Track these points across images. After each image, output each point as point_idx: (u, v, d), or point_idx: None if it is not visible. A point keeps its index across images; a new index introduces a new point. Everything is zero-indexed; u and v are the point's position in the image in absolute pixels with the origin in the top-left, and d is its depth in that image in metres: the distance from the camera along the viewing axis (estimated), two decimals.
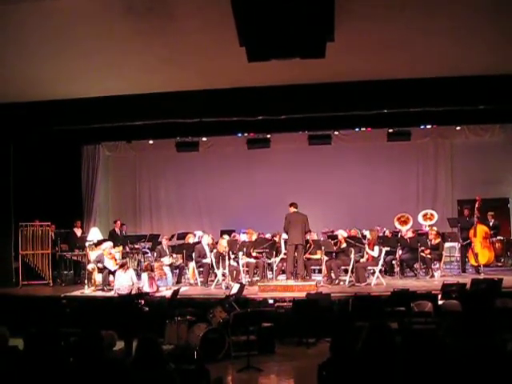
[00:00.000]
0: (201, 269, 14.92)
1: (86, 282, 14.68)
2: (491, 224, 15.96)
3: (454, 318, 8.29)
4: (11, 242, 15.48)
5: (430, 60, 11.71)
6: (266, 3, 7.67)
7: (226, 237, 15.65)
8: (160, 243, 16.09)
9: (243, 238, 16.31)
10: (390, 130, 17.93)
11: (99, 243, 15.65)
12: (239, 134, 18.41)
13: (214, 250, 14.98)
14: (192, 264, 15.04)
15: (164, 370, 5.17)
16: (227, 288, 13.46)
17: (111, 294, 13.43)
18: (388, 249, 14.76)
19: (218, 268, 14.42)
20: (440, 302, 10.39)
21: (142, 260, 16.49)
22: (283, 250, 14.94)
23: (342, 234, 14.97)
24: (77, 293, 14.03)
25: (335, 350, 5.31)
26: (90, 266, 14.70)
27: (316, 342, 10.80)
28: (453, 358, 4.65)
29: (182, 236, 16.85)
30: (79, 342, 5.06)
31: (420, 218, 16.96)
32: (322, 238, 16.18)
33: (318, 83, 13.10)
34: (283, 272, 14.83)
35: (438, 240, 15.14)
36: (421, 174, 20.04)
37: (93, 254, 15.17)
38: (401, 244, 15.00)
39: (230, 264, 14.43)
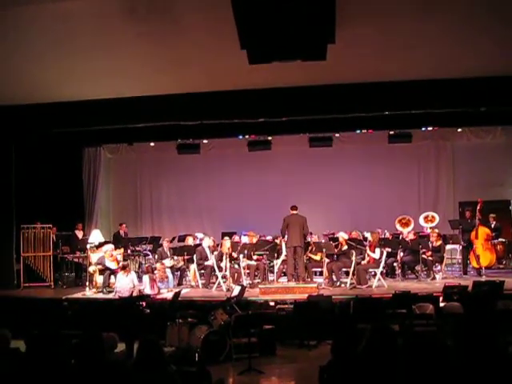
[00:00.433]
0: (202, 271, 14.92)
1: (87, 284, 14.71)
2: (493, 226, 15.93)
3: (456, 320, 8.29)
4: (13, 244, 15.48)
5: (430, 62, 11.71)
6: (266, 6, 7.67)
7: (227, 238, 15.62)
8: (161, 245, 16.10)
9: (244, 240, 16.31)
10: (391, 132, 17.91)
11: (100, 245, 15.67)
12: (240, 136, 18.41)
13: (215, 252, 14.97)
14: (193, 266, 15.04)
15: (165, 372, 5.17)
16: (228, 290, 13.46)
17: (112, 296, 13.43)
18: (389, 250, 14.75)
19: (220, 269, 14.41)
20: (441, 305, 10.39)
21: (143, 262, 16.50)
22: (284, 252, 14.93)
23: (343, 236, 14.97)
24: (78, 295, 14.04)
25: (336, 352, 5.30)
26: (91, 268, 14.73)
27: (317, 344, 10.78)
28: (454, 360, 4.65)
29: (183, 238, 16.85)
30: (80, 345, 5.06)
31: (421, 220, 16.95)
32: (323, 240, 16.17)
33: (318, 85, 13.12)
34: (284, 274, 14.84)
35: (440, 242, 15.12)
36: (422, 176, 20.03)
37: (94, 256, 15.19)
38: (402, 246, 14.98)
39: (231, 266, 14.43)
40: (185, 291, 13.50)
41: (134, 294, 12.80)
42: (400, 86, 13.03)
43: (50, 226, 16.03)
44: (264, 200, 19.43)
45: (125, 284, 13.34)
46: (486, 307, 9.66)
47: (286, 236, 14.39)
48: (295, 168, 19.86)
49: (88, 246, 15.93)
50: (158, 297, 13.11)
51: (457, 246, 15.99)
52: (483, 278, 14.04)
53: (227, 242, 14.83)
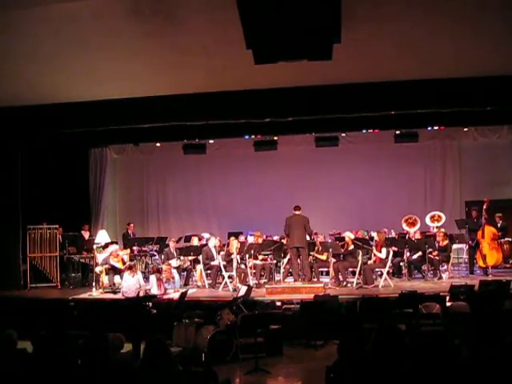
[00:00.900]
0: (208, 271, 14.93)
1: (93, 284, 14.74)
2: (499, 225, 15.89)
3: (463, 320, 8.28)
4: (19, 244, 15.51)
5: (437, 61, 11.69)
6: (272, 6, 7.67)
7: (234, 238, 15.61)
8: (167, 246, 16.11)
9: (251, 240, 16.33)
10: (398, 132, 17.88)
11: (107, 245, 15.69)
12: (246, 136, 18.40)
13: (222, 253, 14.99)
14: (199, 266, 15.05)
15: (172, 372, 5.17)
16: (235, 290, 13.47)
17: (119, 296, 13.46)
18: (396, 250, 14.74)
19: (227, 269, 14.41)
20: (448, 304, 10.37)
21: (150, 262, 16.52)
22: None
23: (349, 235, 14.95)
24: (85, 295, 14.07)
25: (343, 352, 5.30)
26: (97, 269, 14.75)
27: (324, 344, 10.77)
28: (462, 359, 4.64)
29: (190, 238, 16.86)
30: (86, 345, 5.07)
31: (428, 220, 16.93)
32: (329, 240, 16.16)
33: (324, 85, 13.11)
34: (291, 274, 14.83)
35: (446, 242, 15.09)
36: (428, 176, 19.99)
37: (100, 257, 15.22)
38: (409, 246, 14.96)
39: (237, 266, 14.44)
40: (191, 291, 13.51)
41: (141, 295, 12.82)
42: (406, 86, 13.00)
43: (57, 226, 16.06)
44: (270, 200, 19.42)
45: (131, 284, 13.35)
46: (492, 307, 9.63)
47: (288, 236, 14.43)
48: (301, 168, 19.86)
49: (94, 247, 15.96)
50: (165, 297, 13.12)
51: (463, 246, 15.96)
52: (490, 278, 14.01)
53: (235, 242, 14.84)
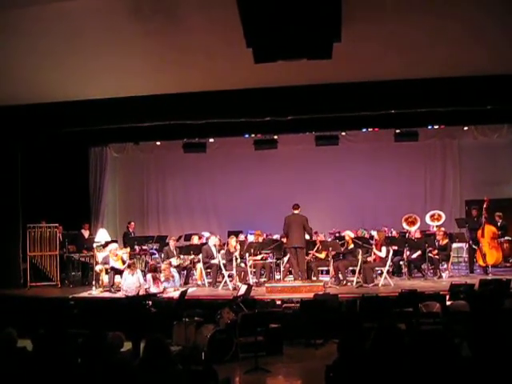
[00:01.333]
0: (208, 270, 14.94)
1: (93, 283, 14.75)
2: (499, 224, 15.89)
3: (463, 319, 8.28)
4: (19, 243, 15.51)
5: (437, 60, 11.68)
6: (272, 4, 7.67)
7: (233, 237, 15.62)
8: (167, 244, 16.12)
9: (251, 239, 16.34)
10: (398, 131, 17.86)
11: (107, 244, 15.71)
12: (246, 135, 18.40)
13: (222, 251, 14.99)
14: (199, 265, 15.05)
15: (172, 371, 5.17)
16: (235, 289, 13.48)
17: (119, 295, 13.46)
18: (396, 248, 14.76)
19: (227, 268, 14.41)
20: (448, 303, 10.37)
21: (150, 261, 16.52)
22: None
23: (349, 234, 14.95)
24: (84, 294, 14.07)
25: (343, 350, 5.30)
26: (97, 268, 14.75)
27: (324, 342, 10.78)
28: (461, 358, 4.64)
29: (189, 237, 16.88)
30: (85, 344, 5.08)
31: (427, 219, 16.93)
32: (329, 239, 16.16)
33: (324, 84, 13.09)
34: (290, 273, 14.84)
35: (446, 241, 15.10)
36: (428, 175, 19.99)
37: (100, 256, 15.22)
38: (408, 245, 14.97)
39: (237, 265, 14.44)
40: (191, 290, 13.53)
41: (141, 293, 12.83)
42: (406, 85, 12.99)
43: (57, 225, 16.06)
44: (270, 199, 19.42)
45: (131, 283, 13.38)
46: (492, 306, 9.62)
47: (287, 236, 14.43)
48: (301, 167, 19.87)
49: (94, 245, 15.97)
50: (165, 296, 13.13)
51: (463, 245, 15.97)
52: (490, 277, 14.00)
53: (233, 241, 14.84)
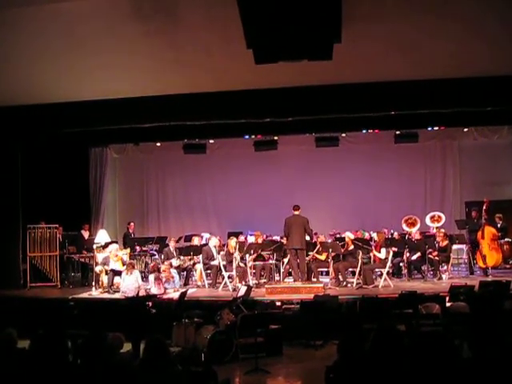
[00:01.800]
0: (208, 271, 14.94)
1: (93, 284, 14.75)
2: (499, 226, 15.90)
3: (463, 321, 8.28)
4: (19, 243, 15.51)
5: (437, 61, 11.68)
6: (272, 5, 7.67)
7: (233, 238, 15.61)
8: (167, 245, 16.12)
9: (251, 239, 16.34)
10: (398, 132, 17.87)
11: (107, 245, 15.70)
12: (246, 136, 18.40)
13: (222, 252, 14.98)
14: (199, 266, 15.05)
15: (171, 372, 5.17)
16: (234, 290, 13.47)
17: (118, 296, 13.46)
18: (395, 250, 14.76)
19: (227, 269, 14.41)
20: (448, 304, 10.37)
21: (150, 262, 16.52)
22: None
23: (349, 236, 14.95)
24: (84, 295, 14.07)
25: (343, 352, 5.30)
26: (97, 268, 14.75)
27: (324, 344, 10.77)
28: (461, 360, 4.64)
29: (190, 238, 16.88)
30: (84, 344, 5.08)
31: (427, 220, 16.92)
32: (329, 240, 16.16)
33: (325, 85, 13.10)
34: (290, 274, 14.83)
35: (446, 242, 15.09)
36: (428, 176, 19.99)
37: (100, 256, 15.21)
38: (408, 246, 14.97)
39: (237, 266, 14.43)
40: (191, 291, 13.51)
41: (140, 294, 12.82)
42: (406, 86, 12.99)
43: (57, 225, 16.06)
44: (270, 200, 19.42)
45: (129, 283, 13.36)
46: (492, 307, 9.63)
47: (287, 237, 14.43)
48: (301, 168, 19.87)
49: (94, 246, 15.97)
50: (165, 297, 13.13)
51: (463, 246, 15.95)
52: (490, 278, 14.01)
53: (233, 242, 14.83)
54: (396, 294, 11.47)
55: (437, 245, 15.06)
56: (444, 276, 14.78)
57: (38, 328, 5.30)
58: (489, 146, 18.67)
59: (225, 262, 14.58)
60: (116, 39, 10.16)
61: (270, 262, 15.08)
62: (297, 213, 14.29)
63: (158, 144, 19.49)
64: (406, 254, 14.90)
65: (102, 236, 16.76)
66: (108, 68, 11.68)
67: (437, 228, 16.44)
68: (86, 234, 17.49)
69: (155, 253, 16.95)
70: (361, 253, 14.21)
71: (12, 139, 15.38)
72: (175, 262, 15.21)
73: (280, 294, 12.98)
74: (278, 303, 12.24)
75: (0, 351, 5.78)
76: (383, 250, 14.16)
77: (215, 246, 15.18)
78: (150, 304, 11.59)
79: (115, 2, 9.01)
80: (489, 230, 15.28)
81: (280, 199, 18.63)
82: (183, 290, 12.75)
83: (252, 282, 14.41)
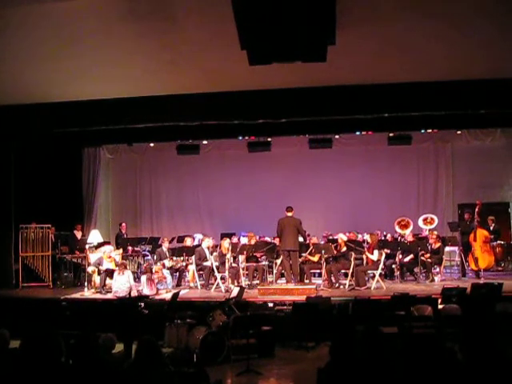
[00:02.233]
0: (201, 272, 14.92)
1: (85, 284, 14.71)
2: (491, 228, 15.95)
3: (455, 323, 8.30)
4: (11, 243, 15.48)
5: (430, 64, 11.71)
6: (267, 6, 7.67)
7: (227, 239, 15.60)
8: (160, 246, 16.09)
9: (243, 241, 16.33)
10: (391, 134, 17.92)
11: (99, 245, 15.68)
12: (240, 137, 18.40)
13: (215, 253, 14.97)
14: (192, 267, 15.03)
15: (163, 373, 5.17)
16: (227, 291, 13.46)
17: (110, 296, 13.43)
18: (388, 252, 14.79)
19: (220, 270, 14.40)
20: (440, 307, 10.37)
21: (142, 262, 16.50)
22: None
23: (342, 237, 14.96)
24: (77, 295, 14.03)
25: (335, 353, 5.30)
26: (90, 269, 14.71)
27: (316, 345, 10.77)
28: (453, 362, 4.65)
29: (182, 239, 16.87)
30: (75, 345, 5.07)
31: (420, 222, 16.95)
32: (322, 242, 16.16)
33: (318, 87, 13.12)
34: (283, 275, 14.84)
35: (439, 244, 15.13)
36: (421, 178, 20.05)
37: (93, 257, 15.19)
38: (401, 248, 14.99)
39: (230, 267, 14.42)
40: (183, 292, 13.50)
41: (132, 294, 12.81)
42: (400, 88, 13.03)
43: (49, 225, 16.03)
44: (263, 201, 19.45)
45: (121, 284, 13.34)
46: (484, 309, 9.65)
47: (280, 239, 14.42)
48: (295, 169, 19.90)
49: (87, 247, 15.95)
50: (157, 297, 13.11)
51: (455, 248, 15.98)
52: (482, 280, 14.02)
53: (226, 243, 14.82)
54: (388, 295, 11.49)
55: (429, 247, 15.09)
56: (436, 278, 14.81)
57: (29, 328, 5.29)
58: (482, 148, 18.74)
59: (217, 263, 14.57)
60: (110, 39, 10.14)
61: (263, 263, 15.09)
62: (290, 214, 14.28)
63: (152, 144, 19.52)
64: (399, 256, 14.93)
65: (94, 236, 16.75)
66: (102, 68, 11.66)
67: (429, 230, 16.48)
68: (78, 235, 17.45)
69: (148, 253, 16.94)
70: (353, 254, 14.22)
71: (5, 139, 15.32)
72: (168, 262, 15.20)
73: (272, 295, 12.98)
74: (271, 304, 12.23)
75: None
76: (376, 252, 14.18)
77: (208, 247, 15.17)
78: (143, 305, 11.58)
79: (109, 1, 8.99)
80: (481, 233, 15.32)
81: (273, 200, 18.66)
82: (175, 290, 12.72)
83: (245, 283, 14.42)
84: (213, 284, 14.57)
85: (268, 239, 16.40)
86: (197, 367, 7.97)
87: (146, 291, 13.32)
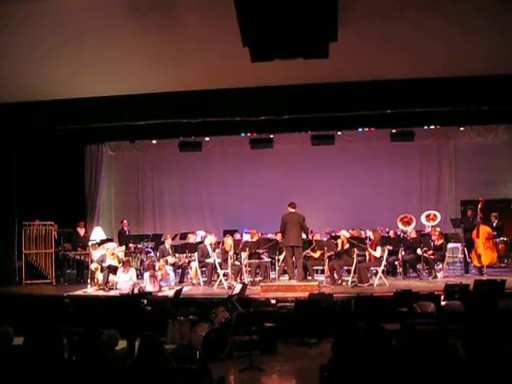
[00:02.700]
0: (203, 268, 14.92)
1: (88, 281, 14.72)
2: (494, 225, 15.93)
3: (458, 320, 8.29)
4: (14, 241, 15.51)
5: (433, 60, 11.70)
6: (269, 3, 7.67)
7: (229, 236, 15.60)
8: (163, 243, 16.11)
9: (246, 237, 16.33)
10: (394, 131, 17.92)
11: (102, 242, 15.70)
12: (242, 134, 18.39)
13: (217, 250, 14.98)
14: (195, 264, 15.04)
15: (166, 369, 5.17)
16: (230, 288, 13.46)
17: (113, 293, 13.45)
18: (391, 248, 14.78)
19: (222, 267, 14.41)
20: (443, 303, 10.36)
21: (145, 259, 16.51)
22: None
23: (344, 234, 14.96)
24: (79, 292, 14.05)
25: (337, 350, 5.30)
26: (92, 266, 14.73)
27: (318, 342, 10.78)
28: (455, 359, 4.65)
29: (185, 236, 16.88)
30: (78, 341, 5.07)
31: (423, 219, 16.93)
32: (325, 238, 16.15)
33: (321, 83, 13.11)
34: (285, 272, 14.84)
35: (441, 241, 15.12)
36: (424, 175, 20.02)
37: (96, 254, 15.20)
38: (404, 245, 14.98)
39: (233, 264, 14.43)
40: (186, 289, 13.52)
41: (135, 291, 12.82)
42: (402, 85, 13.01)
43: (52, 223, 16.06)
44: (266, 198, 19.43)
45: (124, 281, 13.37)
46: (487, 306, 9.64)
47: (283, 235, 14.40)
48: (297, 166, 19.87)
49: (90, 244, 15.96)
50: (160, 294, 13.12)
51: (458, 245, 15.96)
52: (485, 277, 14.00)
53: (229, 240, 14.83)
54: (391, 292, 11.48)
55: (432, 243, 15.08)
56: (439, 275, 14.80)
57: (32, 325, 5.29)
58: (484, 145, 18.69)
59: (220, 260, 14.58)
60: (112, 36, 10.13)
61: (265, 260, 15.09)
62: (293, 210, 14.23)
63: (154, 141, 19.51)
64: (402, 253, 14.92)
65: (97, 233, 16.75)
66: (104, 65, 11.66)
67: (432, 227, 16.45)
68: (81, 232, 17.45)
69: (151, 250, 16.94)
70: (356, 251, 14.21)
71: (7, 136, 15.34)
72: (170, 258, 15.22)
73: (275, 292, 12.98)
74: (273, 301, 12.23)
75: None
76: (378, 249, 14.17)
77: (211, 244, 15.17)
78: (145, 301, 11.58)
79: None
80: (484, 229, 15.30)
81: (275, 197, 18.64)
82: (178, 287, 12.75)
83: (247, 279, 14.42)
84: (215, 281, 14.57)
85: (270, 236, 16.37)
86: (199, 364, 7.99)
87: (149, 288, 13.33)
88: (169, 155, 20.50)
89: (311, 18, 7.97)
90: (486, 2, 9.10)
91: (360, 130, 18.26)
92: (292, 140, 19.15)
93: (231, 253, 14.40)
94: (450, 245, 15.62)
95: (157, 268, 14.25)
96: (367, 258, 14.46)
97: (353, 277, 14.04)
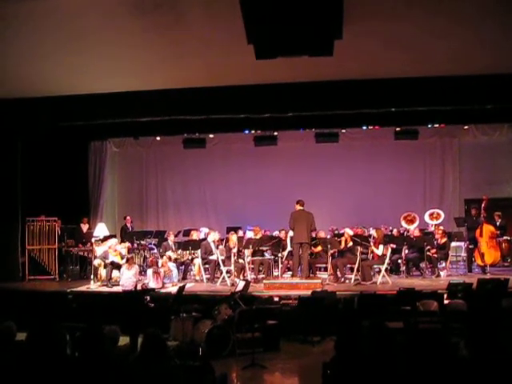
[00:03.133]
0: (206, 265, 14.94)
1: (91, 277, 14.75)
2: (498, 224, 15.90)
3: (461, 318, 8.28)
4: (18, 236, 15.54)
5: (437, 59, 11.68)
6: (273, 1, 7.66)
7: (234, 233, 15.60)
8: (166, 239, 16.13)
9: (249, 235, 16.33)
10: (398, 129, 17.87)
11: (105, 239, 15.72)
12: (246, 131, 18.38)
13: (220, 247, 14.99)
14: (198, 260, 15.05)
15: (169, 366, 5.17)
16: (233, 285, 13.48)
17: (117, 289, 13.47)
18: (394, 247, 14.78)
19: (226, 264, 14.41)
20: (446, 302, 10.36)
21: (148, 256, 16.53)
22: (289, 248, 14.96)
23: (348, 232, 14.95)
24: (83, 288, 14.08)
25: (340, 348, 5.30)
26: (96, 262, 14.76)
27: (321, 340, 10.77)
28: (458, 357, 4.65)
29: (188, 233, 16.89)
30: (80, 337, 5.08)
31: (426, 218, 16.91)
32: (328, 236, 16.14)
33: (325, 81, 13.09)
34: (289, 269, 14.85)
35: (445, 239, 15.10)
36: (428, 173, 20.00)
37: (99, 250, 15.24)
38: (407, 243, 14.97)
39: (236, 261, 14.44)
40: (189, 285, 13.54)
41: (138, 288, 12.85)
42: (407, 83, 12.99)
43: (55, 219, 16.08)
44: (269, 195, 19.44)
45: (128, 278, 13.39)
46: (490, 305, 9.63)
47: (293, 231, 14.38)
48: (301, 163, 19.87)
49: (93, 240, 15.99)
50: (163, 291, 13.14)
51: (462, 244, 15.95)
52: (488, 276, 14.02)
53: (234, 237, 14.83)
54: (394, 290, 11.49)
55: (435, 242, 15.06)
56: (442, 273, 14.79)
57: (35, 321, 5.31)
58: (489, 143, 18.66)
59: (223, 257, 14.59)
60: (116, 34, 10.13)
61: (268, 257, 15.09)
62: (302, 207, 14.22)
63: (158, 138, 19.50)
64: (405, 251, 14.91)
65: (100, 229, 16.78)
66: (108, 62, 11.66)
67: (436, 225, 16.44)
68: (84, 228, 17.49)
69: (154, 247, 16.96)
70: (359, 249, 14.21)
71: (12, 132, 15.37)
72: (172, 254, 15.24)
73: (278, 289, 13.00)
74: (276, 298, 12.24)
75: None
76: (382, 247, 14.16)
77: (214, 241, 15.19)
78: (148, 298, 11.60)
79: None
80: (487, 228, 15.29)
81: (279, 194, 18.67)
82: (181, 284, 12.76)
83: (250, 277, 14.42)
84: (218, 278, 14.59)
85: (277, 233, 16.35)
86: (202, 361, 7.97)
87: (152, 284, 13.36)
88: (173, 152, 20.50)
89: (316, 15, 7.97)
90: (489, 1, 9.09)
91: (364, 128, 18.22)
92: (296, 137, 19.12)
93: (235, 250, 14.41)
94: (453, 243, 15.60)
95: (160, 264, 14.26)
96: (370, 256, 14.46)
97: (356, 275, 14.03)
